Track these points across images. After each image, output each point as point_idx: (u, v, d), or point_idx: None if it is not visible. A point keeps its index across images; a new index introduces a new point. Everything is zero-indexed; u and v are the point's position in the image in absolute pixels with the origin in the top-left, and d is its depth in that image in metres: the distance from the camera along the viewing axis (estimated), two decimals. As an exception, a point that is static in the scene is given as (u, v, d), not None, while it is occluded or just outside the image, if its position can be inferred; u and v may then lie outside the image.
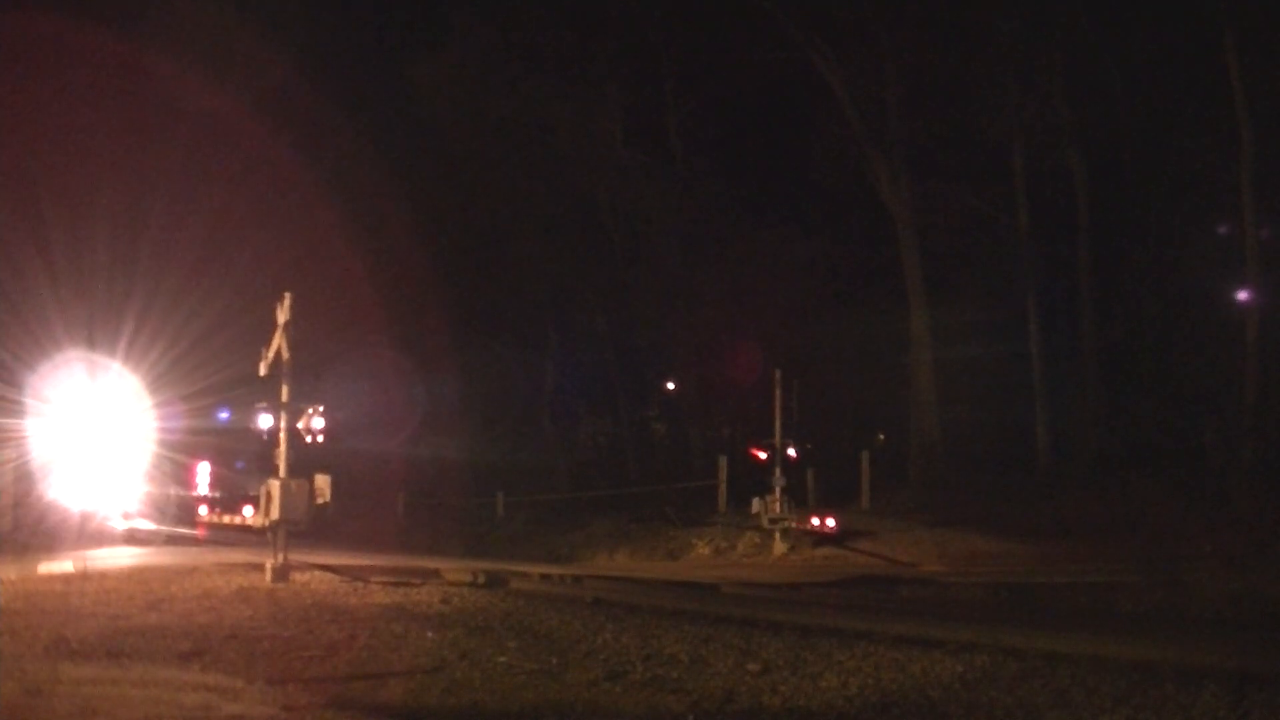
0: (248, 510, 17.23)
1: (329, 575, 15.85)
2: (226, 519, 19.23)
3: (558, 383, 38.91)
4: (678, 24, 33.83)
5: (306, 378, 16.31)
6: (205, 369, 23.53)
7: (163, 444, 23.79)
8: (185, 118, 30.54)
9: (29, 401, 23.16)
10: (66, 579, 14.85)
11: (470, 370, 37.19)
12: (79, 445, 23.69)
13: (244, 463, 23.68)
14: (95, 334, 26.50)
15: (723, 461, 27.09)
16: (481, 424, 37.97)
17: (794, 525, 22.16)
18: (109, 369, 24.21)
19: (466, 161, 35.56)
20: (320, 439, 16.02)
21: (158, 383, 24.00)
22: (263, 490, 15.85)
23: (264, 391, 16.01)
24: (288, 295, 15.94)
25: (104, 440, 23.83)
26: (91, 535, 22.27)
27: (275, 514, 15.43)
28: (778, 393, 23.26)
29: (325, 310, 25.45)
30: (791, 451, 23.35)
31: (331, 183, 33.40)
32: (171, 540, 22.84)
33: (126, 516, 24.00)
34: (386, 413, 34.00)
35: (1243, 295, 24.62)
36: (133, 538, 23.02)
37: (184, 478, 23.73)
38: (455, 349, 36.45)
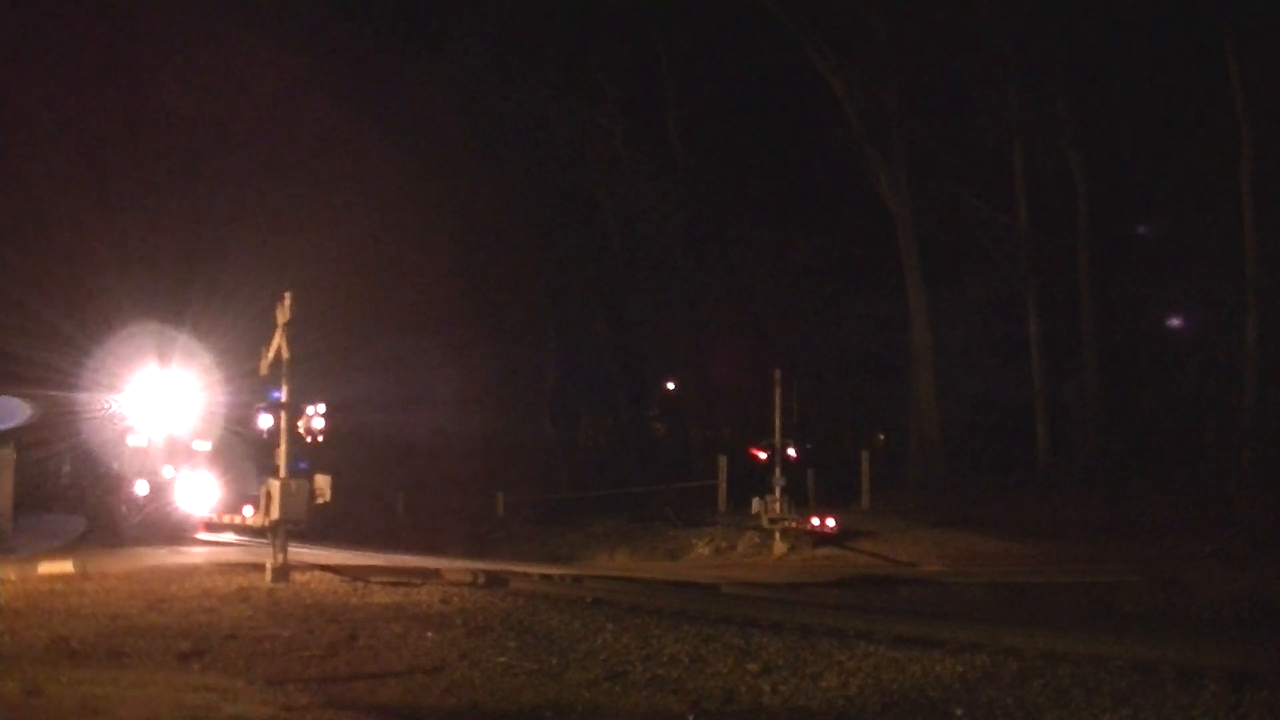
0: (248, 510, 17.18)
1: (329, 575, 15.84)
2: (226, 518, 19.18)
3: (558, 383, 38.91)
4: (678, 24, 33.87)
5: (308, 373, 16.24)
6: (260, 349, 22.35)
7: (231, 423, 22.16)
8: (186, 115, 30.81)
9: (93, 376, 22.41)
10: (67, 579, 14.84)
11: (471, 369, 37.17)
12: (146, 423, 22.62)
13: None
14: (161, 307, 25.70)
15: (723, 461, 27.09)
16: (481, 422, 37.94)
17: (794, 525, 22.16)
18: (175, 342, 23.06)
19: (466, 161, 35.58)
20: (320, 439, 15.99)
21: (223, 358, 22.81)
22: (262, 490, 15.84)
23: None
24: (287, 295, 15.95)
25: (172, 418, 22.28)
26: (171, 534, 21.51)
27: (275, 514, 15.42)
28: (778, 393, 23.25)
29: (326, 309, 25.35)
30: (791, 451, 23.33)
31: (331, 183, 33.45)
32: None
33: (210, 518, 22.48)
34: (388, 408, 33.96)
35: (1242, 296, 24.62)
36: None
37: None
38: (455, 347, 36.44)
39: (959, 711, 7.73)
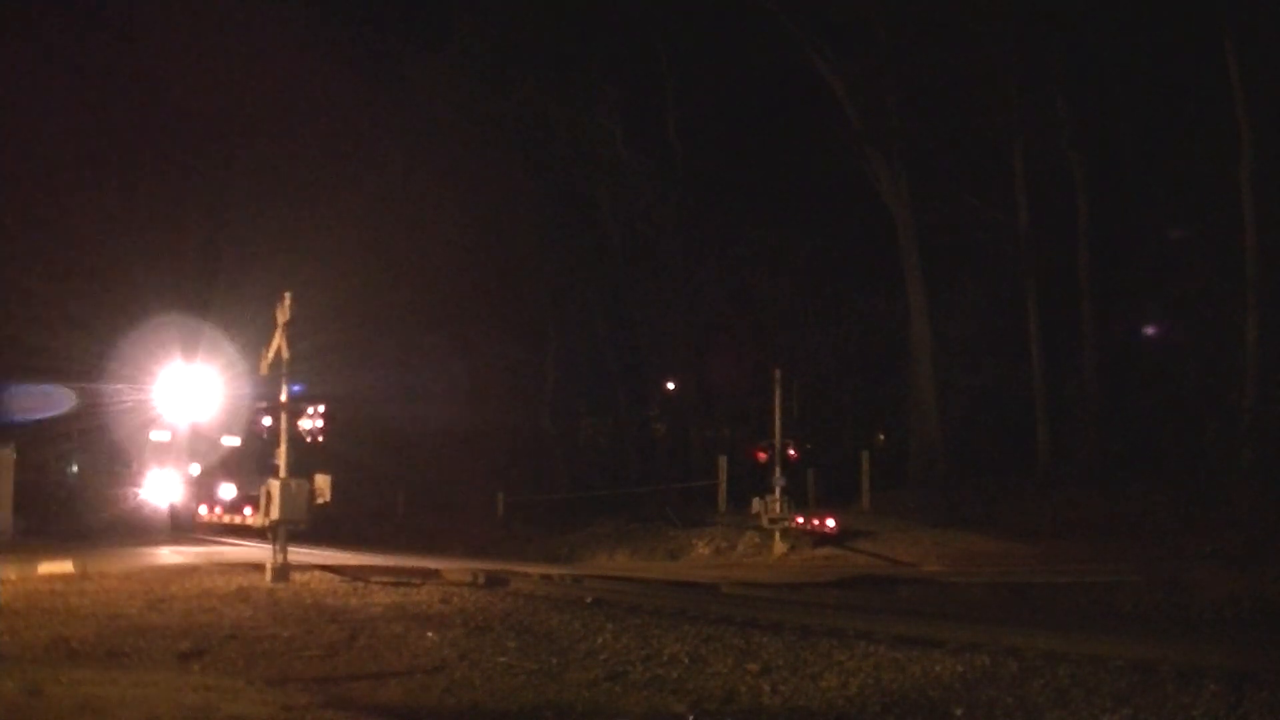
0: (248, 510, 17.18)
1: (329, 575, 15.85)
2: (227, 519, 19.20)
3: (558, 382, 38.91)
4: (678, 24, 33.89)
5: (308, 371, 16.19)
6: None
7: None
8: (195, 114, 31.03)
9: (113, 368, 21.96)
10: (67, 579, 14.85)
11: (471, 368, 37.18)
12: (170, 417, 21.99)
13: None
14: (185, 300, 25.25)
15: (722, 461, 27.09)
16: (482, 422, 37.95)
17: (794, 525, 22.16)
18: (200, 335, 22.55)
19: (467, 161, 35.59)
20: (320, 439, 16.00)
21: (247, 350, 22.30)
22: (263, 490, 15.86)
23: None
24: (287, 295, 15.96)
25: (196, 411, 21.79)
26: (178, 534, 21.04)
27: (275, 514, 15.43)
28: (778, 393, 23.26)
29: (328, 309, 25.32)
30: (791, 451, 23.33)
31: (334, 183, 33.48)
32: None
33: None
34: (389, 405, 33.96)
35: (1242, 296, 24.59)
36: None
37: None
38: (456, 347, 36.46)
39: (959, 711, 7.72)
